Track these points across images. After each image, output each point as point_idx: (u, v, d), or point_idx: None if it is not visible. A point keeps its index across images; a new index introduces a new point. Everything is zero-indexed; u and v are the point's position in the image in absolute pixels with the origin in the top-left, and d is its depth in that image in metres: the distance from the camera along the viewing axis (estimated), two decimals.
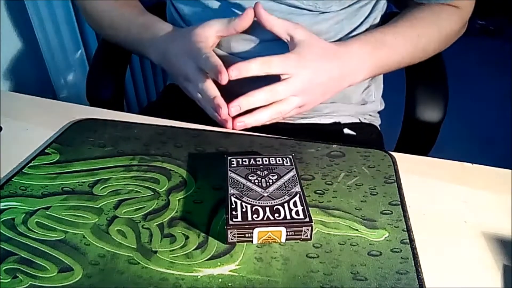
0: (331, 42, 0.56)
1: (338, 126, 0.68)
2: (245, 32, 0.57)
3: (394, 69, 0.61)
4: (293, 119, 0.66)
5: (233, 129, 0.53)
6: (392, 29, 0.59)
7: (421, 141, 0.68)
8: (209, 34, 0.56)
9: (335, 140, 0.64)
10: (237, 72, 0.49)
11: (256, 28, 0.57)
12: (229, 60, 0.61)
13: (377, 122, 0.74)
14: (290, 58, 0.52)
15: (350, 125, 0.68)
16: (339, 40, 0.62)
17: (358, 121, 0.70)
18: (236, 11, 0.61)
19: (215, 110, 0.53)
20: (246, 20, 0.54)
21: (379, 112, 0.75)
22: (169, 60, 0.59)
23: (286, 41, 0.55)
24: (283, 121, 0.66)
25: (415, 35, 0.60)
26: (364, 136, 0.69)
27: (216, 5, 0.61)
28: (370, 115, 0.72)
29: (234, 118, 0.52)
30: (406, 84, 0.70)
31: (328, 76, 0.54)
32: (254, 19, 0.54)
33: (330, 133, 0.67)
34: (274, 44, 0.57)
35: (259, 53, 0.56)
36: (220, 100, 0.51)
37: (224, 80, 0.49)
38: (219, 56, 0.53)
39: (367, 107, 0.70)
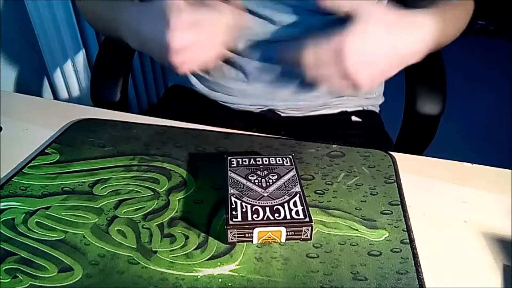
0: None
1: (345, 115, 0.69)
2: (251, 32, 0.57)
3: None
4: (302, 112, 0.67)
5: None
6: (440, 12, 0.55)
7: (422, 134, 0.70)
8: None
9: (344, 127, 0.64)
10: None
11: (263, 28, 0.57)
12: (235, 60, 0.62)
13: (377, 110, 0.76)
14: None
15: (355, 113, 0.70)
16: None
17: (362, 109, 0.72)
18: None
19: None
20: None
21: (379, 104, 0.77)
22: (144, 38, 0.52)
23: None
24: (292, 114, 0.67)
25: (457, 18, 0.59)
26: (369, 122, 0.71)
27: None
28: (372, 105, 0.74)
29: None
30: (406, 79, 0.71)
31: (390, 56, 0.49)
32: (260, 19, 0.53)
33: (338, 121, 0.68)
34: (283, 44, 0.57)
35: (266, 52, 0.56)
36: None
37: None
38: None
39: (369, 100, 0.72)
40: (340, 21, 0.60)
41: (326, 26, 0.60)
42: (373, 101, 0.73)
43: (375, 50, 0.48)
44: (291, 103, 0.65)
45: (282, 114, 0.67)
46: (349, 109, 0.69)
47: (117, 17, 0.57)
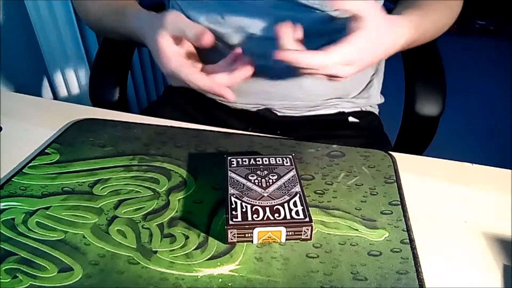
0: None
1: (342, 115, 0.69)
2: (249, 29, 0.57)
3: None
4: (299, 112, 0.67)
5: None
6: (427, 13, 0.59)
7: (421, 136, 0.70)
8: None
9: (341, 128, 0.64)
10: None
11: (260, 24, 0.57)
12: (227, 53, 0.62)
13: (376, 111, 0.76)
14: (348, 54, 0.49)
15: (352, 114, 0.70)
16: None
17: (359, 110, 0.71)
18: (243, 8, 0.60)
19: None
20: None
21: (378, 105, 0.77)
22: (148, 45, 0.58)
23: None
24: (289, 113, 0.67)
25: (438, 20, 0.61)
26: (367, 122, 0.71)
27: (222, 4, 0.61)
28: (370, 106, 0.74)
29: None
30: (405, 80, 0.71)
31: (376, 55, 0.52)
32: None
33: (335, 122, 0.68)
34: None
35: (264, 49, 0.56)
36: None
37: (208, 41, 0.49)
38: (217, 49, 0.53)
39: (369, 100, 0.71)
40: (335, 19, 0.61)
41: (323, 22, 0.60)
42: (372, 100, 0.73)
43: (377, 50, 0.50)
44: (287, 102, 0.65)
45: (279, 113, 0.67)
46: (346, 110, 0.69)
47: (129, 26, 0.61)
